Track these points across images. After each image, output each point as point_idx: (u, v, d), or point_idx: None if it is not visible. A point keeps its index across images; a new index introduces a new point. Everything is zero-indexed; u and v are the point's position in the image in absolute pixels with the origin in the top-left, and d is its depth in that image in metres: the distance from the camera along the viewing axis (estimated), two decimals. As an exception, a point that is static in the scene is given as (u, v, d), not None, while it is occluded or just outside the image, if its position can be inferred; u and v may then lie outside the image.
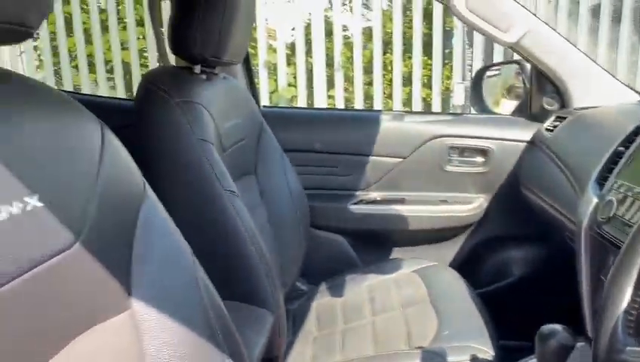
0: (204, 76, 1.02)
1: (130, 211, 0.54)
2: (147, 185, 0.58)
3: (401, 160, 1.47)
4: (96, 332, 0.49)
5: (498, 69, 1.72)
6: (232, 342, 0.62)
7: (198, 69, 1.01)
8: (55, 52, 3.99)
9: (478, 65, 3.36)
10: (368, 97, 3.73)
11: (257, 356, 0.80)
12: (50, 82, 4.01)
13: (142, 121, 0.92)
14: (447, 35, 3.65)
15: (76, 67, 3.98)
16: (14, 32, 0.39)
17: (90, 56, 3.90)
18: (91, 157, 0.49)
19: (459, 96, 3.42)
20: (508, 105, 1.59)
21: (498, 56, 3.15)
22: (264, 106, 1.66)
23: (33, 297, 0.41)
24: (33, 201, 0.41)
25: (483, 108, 1.63)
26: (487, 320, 1.06)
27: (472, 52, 3.52)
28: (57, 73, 4.06)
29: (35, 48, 4.07)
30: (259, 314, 0.87)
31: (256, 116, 1.27)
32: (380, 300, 1.22)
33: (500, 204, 1.44)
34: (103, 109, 0.64)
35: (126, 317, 0.52)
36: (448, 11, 3.56)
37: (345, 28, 3.86)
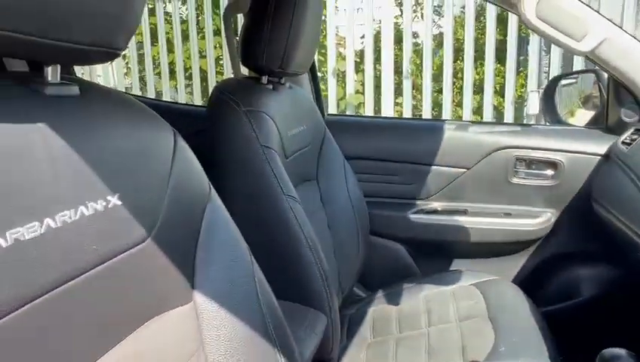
0: (270, 86, 1.08)
1: (196, 211, 0.59)
2: (212, 188, 0.63)
3: (464, 170, 1.45)
4: (162, 319, 0.54)
5: (574, 78, 1.65)
6: (285, 340, 0.66)
7: (265, 79, 1.07)
8: (141, 60, 4.31)
9: (555, 72, 3.21)
10: (437, 105, 3.68)
11: (309, 356, 0.83)
12: (136, 88, 4.33)
13: (213, 127, 0.99)
14: (523, 41, 3.51)
15: (159, 74, 4.27)
16: (104, 53, 0.45)
17: (171, 63, 4.18)
18: (164, 161, 0.55)
19: (534, 105, 3.28)
20: (583, 116, 1.52)
21: (579, 63, 2.99)
22: (329, 114, 1.70)
23: (111, 284, 0.47)
24: (114, 200, 0.47)
25: (555, 119, 1.57)
26: (548, 340, 1.02)
27: (550, 59, 3.36)
28: (142, 79, 4.38)
29: (124, 57, 4.41)
30: (313, 315, 0.91)
31: (319, 124, 1.31)
32: (436, 311, 1.21)
33: (569, 220, 1.38)
34: (178, 115, 0.71)
35: (189, 309, 0.58)
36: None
37: (415, 35, 3.84)
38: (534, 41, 3.33)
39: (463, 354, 1.02)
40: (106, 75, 4.29)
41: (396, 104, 3.72)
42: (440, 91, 3.60)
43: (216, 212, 0.62)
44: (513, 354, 0.96)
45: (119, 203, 0.48)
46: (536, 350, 0.97)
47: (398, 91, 3.69)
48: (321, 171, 1.30)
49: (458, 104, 3.71)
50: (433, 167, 1.46)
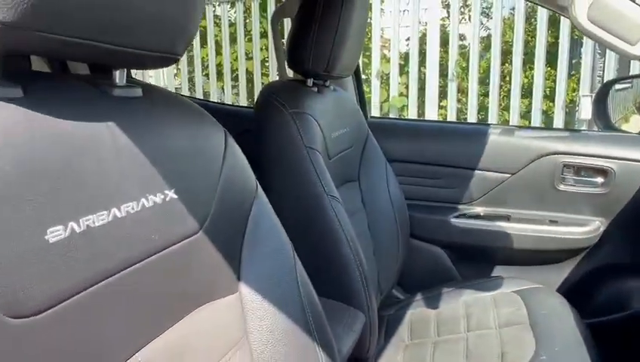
0: (315, 89, 1.11)
1: (243, 207, 0.63)
2: (259, 186, 0.66)
3: (508, 175, 1.42)
4: (210, 307, 0.58)
5: (629, 82, 1.59)
6: (324, 334, 0.68)
7: (310, 82, 1.10)
8: (190, 61, 4.46)
9: (610, 76, 3.08)
10: (482, 109, 3.60)
11: (346, 353, 0.85)
12: (185, 88, 4.49)
13: (259, 128, 1.03)
14: (575, 43, 3.39)
15: (207, 75, 4.41)
16: (165, 59, 0.49)
17: (219, 65, 4.30)
18: (215, 159, 0.59)
19: (586, 111, 3.16)
20: (638, 123, 1.47)
21: (637, 67, 2.85)
22: (372, 117, 1.71)
23: (166, 271, 0.50)
24: (171, 194, 0.51)
25: (608, 125, 1.51)
26: (592, 352, 1.00)
27: (604, 62, 3.23)
28: (191, 80, 4.53)
29: (175, 58, 4.57)
30: (351, 313, 0.93)
31: (362, 126, 1.32)
32: (475, 317, 1.20)
33: (620, 230, 1.33)
34: (226, 116, 0.75)
35: (235, 299, 0.61)
36: (578, 18, 3.31)
37: (462, 37, 3.78)
38: (588, 43, 3.21)
39: (501, 360, 1.01)
40: (157, 76, 4.47)
41: (440, 107, 3.67)
42: (486, 95, 3.53)
43: (262, 209, 0.65)
44: (554, 364, 0.94)
45: (175, 197, 0.51)
46: (579, 360, 0.94)
47: (443, 94, 3.64)
48: (363, 173, 1.31)
49: (505, 108, 3.63)
50: (476, 172, 1.45)
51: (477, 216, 1.46)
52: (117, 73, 0.49)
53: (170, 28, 0.47)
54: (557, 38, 3.30)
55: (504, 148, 1.43)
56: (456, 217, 1.47)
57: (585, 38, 3.29)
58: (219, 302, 0.59)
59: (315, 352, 0.65)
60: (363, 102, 1.59)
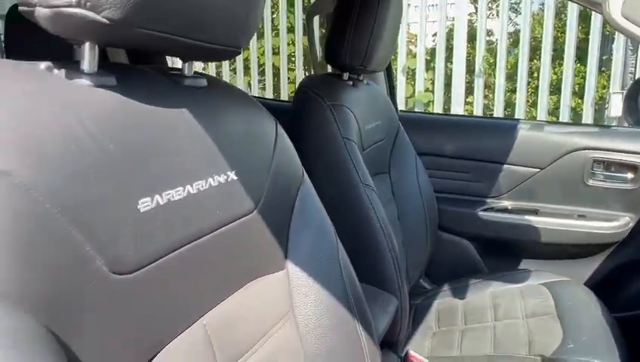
0: (350, 82, 1.15)
1: (291, 191, 0.67)
2: (305, 172, 0.71)
3: (537, 170, 1.44)
4: (262, 281, 0.63)
5: (662, 79, 1.58)
6: (363, 312, 0.73)
7: (346, 76, 1.14)
8: (218, 56, 4.53)
9: (642, 73, 3.04)
10: (509, 105, 3.58)
11: (382, 332, 0.89)
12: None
13: (299, 120, 1.07)
14: (606, 39, 3.34)
15: (234, 70, 4.48)
16: (231, 52, 0.54)
17: (246, 60, 4.37)
18: (269, 145, 0.64)
19: (616, 108, 3.12)
20: (670, 120, 1.46)
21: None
22: (401, 111, 1.74)
23: (226, 245, 0.55)
24: (232, 175, 0.56)
25: (638, 121, 1.51)
26: (620, 344, 1.02)
27: (636, 58, 3.18)
28: (218, 75, 4.61)
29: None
30: (385, 297, 0.97)
31: (393, 119, 1.36)
32: (503, 307, 1.23)
33: (649, 225, 1.34)
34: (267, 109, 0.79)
35: (283, 275, 0.66)
36: (610, 14, 3.26)
37: (489, 33, 3.76)
38: (620, 39, 3.16)
39: (529, 348, 1.04)
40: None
41: (467, 103, 3.66)
42: (513, 91, 3.51)
43: (307, 193, 0.70)
44: (582, 352, 0.96)
45: (235, 178, 0.56)
46: (606, 350, 0.97)
47: (469, 90, 3.64)
48: (393, 165, 1.35)
49: (532, 104, 3.60)
50: (505, 166, 1.47)
51: (505, 210, 1.48)
52: (186, 65, 0.54)
53: (237, 24, 0.52)
54: (587, 34, 3.25)
55: (534, 143, 1.45)
56: (484, 210, 1.49)
57: (617, 34, 3.24)
58: (269, 278, 0.64)
59: (356, 328, 0.70)
60: (394, 96, 1.62)
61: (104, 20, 0.38)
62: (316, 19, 1.58)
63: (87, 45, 0.42)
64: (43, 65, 0.41)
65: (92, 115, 0.40)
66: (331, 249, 0.71)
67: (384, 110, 1.31)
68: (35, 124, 0.36)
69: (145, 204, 0.43)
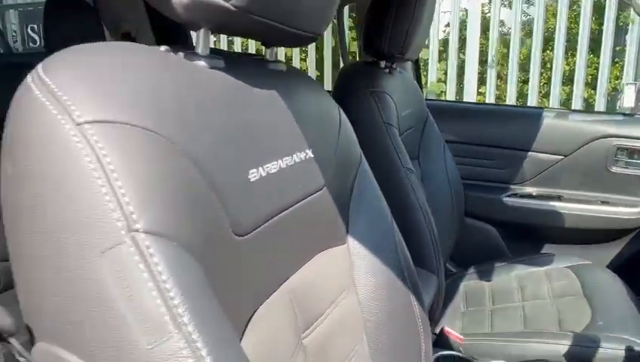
0: (387, 70, 1.19)
1: (352, 171, 0.72)
2: (362, 154, 0.75)
3: (561, 157, 1.48)
4: (328, 254, 0.67)
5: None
6: (415, 283, 0.77)
7: (383, 64, 1.18)
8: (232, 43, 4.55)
9: (655, 64, 3.06)
10: (522, 95, 3.61)
11: (427, 307, 0.94)
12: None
13: (341, 106, 1.11)
14: (620, 30, 3.36)
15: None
16: (310, 38, 0.58)
17: (258, 50, 4.39)
18: (334, 127, 0.68)
19: (629, 98, 3.14)
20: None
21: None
22: (427, 99, 1.78)
23: (302, 218, 0.60)
24: (309, 153, 0.60)
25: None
26: (648, 321, 1.06)
27: (650, 50, 3.20)
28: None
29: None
30: (427, 276, 1.01)
31: (423, 106, 1.40)
32: (530, 289, 1.27)
33: (672, 211, 1.38)
34: None
35: (344, 249, 0.70)
36: (623, 5, 3.28)
37: (502, 23, 3.77)
38: (634, 30, 3.18)
39: (559, 326, 1.08)
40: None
41: (479, 93, 3.69)
42: (526, 82, 3.53)
43: (365, 175, 0.74)
44: (613, 329, 1.01)
45: (312, 156, 0.61)
46: (636, 327, 1.01)
47: (482, 81, 3.66)
48: (422, 151, 1.39)
49: (545, 95, 3.62)
50: (529, 153, 1.50)
51: (529, 196, 1.52)
52: (269, 51, 0.58)
53: (320, 12, 0.56)
54: (601, 25, 3.27)
55: (558, 131, 1.49)
56: (509, 196, 1.53)
57: (631, 25, 3.26)
58: (334, 250, 0.68)
59: (410, 300, 0.74)
60: (420, 84, 1.65)
61: (232, 8, 0.42)
62: (346, 9, 1.61)
63: (202, 31, 0.45)
64: (162, 48, 0.45)
65: (212, 91, 0.44)
66: (387, 225, 0.75)
67: (415, 97, 1.34)
68: (173, 91, 0.40)
69: (253, 175, 0.47)
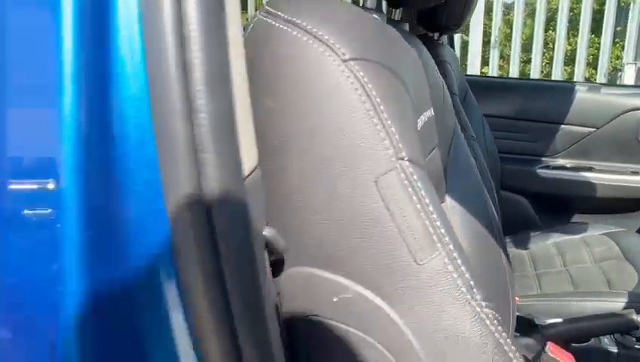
0: (440, 42, 1.21)
1: (449, 135, 0.75)
2: (456, 122, 0.78)
3: (593, 129, 1.53)
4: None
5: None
6: (502, 242, 0.81)
7: (436, 35, 1.20)
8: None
9: (655, 44, 3.14)
10: (523, 75, 3.66)
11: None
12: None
13: None
14: (621, 11, 3.43)
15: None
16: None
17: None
18: (441, 92, 0.71)
19: (629, 77, 3.23)
20: None
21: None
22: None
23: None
24: (431, 112, 0.62)
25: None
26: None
27: (650, 30, 3.27)
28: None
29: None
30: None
31: (463, 78, 1.43)
32: (569, 254, 1.32)
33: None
34: None
35: (444, 206, 0.74)
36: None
37: (505, 4, 3.81)
38: (635, 10, 3.25)
39: (609, 286, 1.14)
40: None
41: (482, 74, 3.73)
42: (528, 62, 3.59)
43: (459, 140, 0.78)
44: (663, 287, 1.06)
45: (432, 115, 0.63)
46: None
47: (484, 61, 3.70)
48: (464, 123, 1.42)
49: (546, 75, 3.69)
50: (562, 126, 1.55)
51: (561, 168, 1.57)
52: (397, 11, 0.60)
53: None
54: (602, 4, 3.33)
55: (590, 104, 1.53)
56: (541, 168, 1.58)
57: (632, 4, 3.33)
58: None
59: (500, 256, 0.78)
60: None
61: None
62: None
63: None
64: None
65: (403, 51, 0.47)
66: (478, 187, 0.79)
67: (457, 68, 1.37)
68: (382, 36, 0.42)
69: (420, 123, 0.49)
